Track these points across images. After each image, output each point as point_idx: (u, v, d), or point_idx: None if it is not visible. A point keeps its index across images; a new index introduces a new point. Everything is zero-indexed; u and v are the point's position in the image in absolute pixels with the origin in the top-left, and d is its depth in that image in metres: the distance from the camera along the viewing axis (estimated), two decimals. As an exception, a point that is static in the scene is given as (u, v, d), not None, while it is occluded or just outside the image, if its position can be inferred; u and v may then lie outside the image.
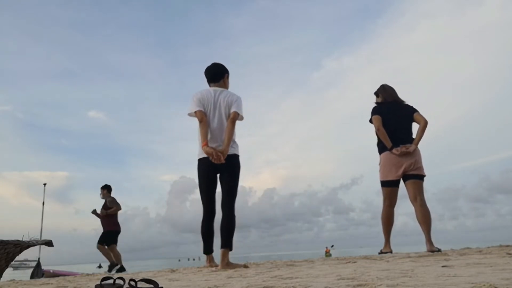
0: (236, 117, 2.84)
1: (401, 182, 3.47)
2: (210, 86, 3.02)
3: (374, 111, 3.53)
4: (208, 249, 2.94)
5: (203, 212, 2.89)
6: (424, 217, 3.25)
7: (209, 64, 3.08)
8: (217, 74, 3.02)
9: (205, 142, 2.72)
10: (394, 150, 3.35)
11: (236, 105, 2.86)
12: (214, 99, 2.87)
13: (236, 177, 2.86)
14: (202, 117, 2.79)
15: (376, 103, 3.64)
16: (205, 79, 3.07)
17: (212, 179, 2.88)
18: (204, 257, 3.06)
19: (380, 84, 3.71)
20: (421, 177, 3.36)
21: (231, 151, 2.81)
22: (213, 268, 2.66)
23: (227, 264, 2.59)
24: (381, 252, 3.45)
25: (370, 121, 3.57)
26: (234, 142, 2.90)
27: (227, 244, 2.66)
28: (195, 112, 2.82)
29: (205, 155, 2.78)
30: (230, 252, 2.66)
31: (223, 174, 2.86)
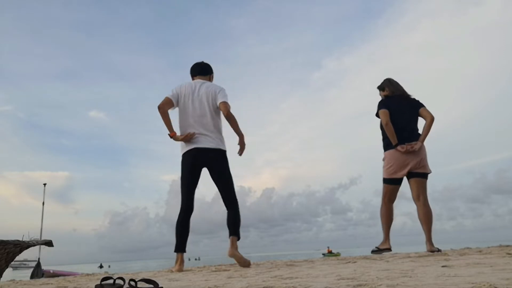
0: (227, 107, 2.78)
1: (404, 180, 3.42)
2: (194, 79, 3.01)
3: (382, 105, 3.40)
4: (181, 247, 2.75)
5: (181, 208, 2.78)
6: (426, 217, 3.20)
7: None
8: (206, 68, 3.05)
9: (174, 132, 2.74)
10: (399, 147, 3.26)
11: (222, 95, 2.83)
12: (194, 88, 2.86)
13: (228, 170, 2.82)
14: (164, 104, 2.77)
15: (385, 96, 3.51)
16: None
17: (195, 174, 2.81)
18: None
19: (385, 78, 3.60)
20: (425, 175, 3.30)
21: (216, 146, 2.78)
22: (174, 271, 2.61)
23: (236, 249, 2.65)
24: (378, 248, 3.38)
25: (377, 115, 3.44)
26: (222, 137, 2.87)
27: (235, 233, 2.69)
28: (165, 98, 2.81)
29: (188, 149, 2.75)
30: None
31: (214, 172, 2.80)
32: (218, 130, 2.84)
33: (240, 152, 2.93)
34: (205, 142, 2.75)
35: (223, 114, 2.80)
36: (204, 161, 2.77)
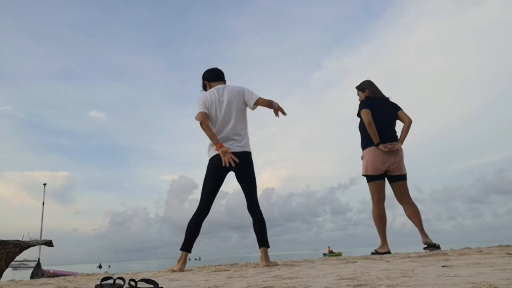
0: (265, 98, 2.85)
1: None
2: (211, 86, 3.01)
3: (364, 105, 3.52)
4: (188, 247, 2.75)
5: (198, 209, 2.79)
6: (414, 213, 3.35)
7: (210, 67, 3.10)
8: (221, 74, 3.08)
9: (220, 143, 2.71)
10: (381, 146, 3.37)
11: (251, 93, 2.89)
12: (218, 94, 2.88)
13: (252, 173, 2.84)
14: (204, 118, 2.77)
15: (366, 96, 3.62)
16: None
17: (219, 179, 2.83)
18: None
19: (365, 79, 3.73)
20: (404, 177, 3.44)
21: (242, 149, 2.80)
22: (176, 270, 2.63)
23: (268, 260, 2.69)
24: (376, 252, 3.42)
25: (358, 115, 3.57)
26: (247, 138, 2.88)
27: (265, 243, 2.73)
28: (198, 113, 2.80)
29: (216, 153, 2.75)
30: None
31: (239, 175, 2.82)
32: (244, 133, 2.88)
33: (282, 112, 2.91)
34: (232, 146, 2.77)
35: (269, 106, 2.86)
36: (230, 166, 2.75)
